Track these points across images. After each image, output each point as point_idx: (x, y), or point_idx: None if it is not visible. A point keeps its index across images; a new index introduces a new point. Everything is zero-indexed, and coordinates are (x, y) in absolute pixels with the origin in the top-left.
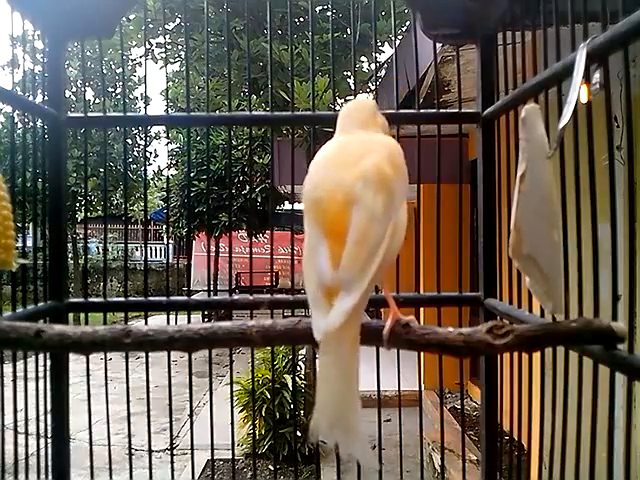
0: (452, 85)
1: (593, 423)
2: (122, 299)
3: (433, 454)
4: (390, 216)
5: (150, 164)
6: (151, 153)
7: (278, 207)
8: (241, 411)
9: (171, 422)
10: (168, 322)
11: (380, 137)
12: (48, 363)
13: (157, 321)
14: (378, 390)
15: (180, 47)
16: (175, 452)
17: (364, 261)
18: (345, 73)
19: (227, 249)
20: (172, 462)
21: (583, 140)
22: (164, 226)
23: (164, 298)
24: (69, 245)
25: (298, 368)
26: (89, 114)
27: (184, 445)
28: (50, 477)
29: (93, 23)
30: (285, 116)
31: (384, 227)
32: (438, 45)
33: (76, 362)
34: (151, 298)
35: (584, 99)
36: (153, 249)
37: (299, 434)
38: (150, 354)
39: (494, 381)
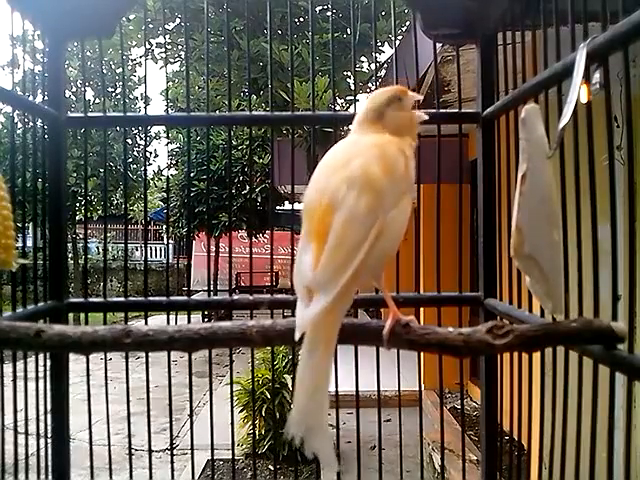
0: (452, 85)
1: (593, 423)
2: (122, 299)
3: (433, 454)
4: (376, 217)
5: (150, 164)
6: (151, 153)
7: (278, 207)
8: (241, 411)
9: (171, 422)
10: (168, 322)
11: (375, 138)
12: (48, 363)
13: (157, 321)
14: (378, 390)
15: (180, 47)
16: (175, 452)
17: (340, 263)
18: (345, 73)
19: (227, 249)
20: (172, 462)
21: (583, 140)
22: (164, 226)
23: (164, 298)
24: (69, 245)
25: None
26: (89, 114)
27: (184, 445)
28: (50, 477)
29: (93, 23)
30: (285, 116)
31: (365, 229)
32: (438, 45)
33: (76, 362)
34: (151, 298)
35: (584, 99)
36: (153, 249)
37: None
38: (150, 354)
39: (494, 381)
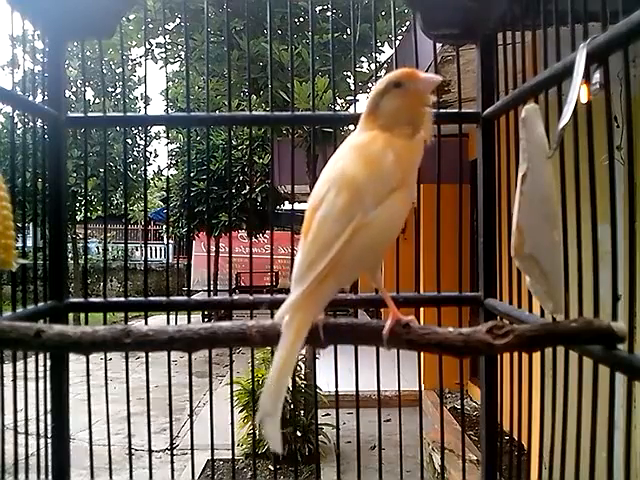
0: (452, 85)
1: (593, 423)
2: (122, 299)
3: (433, 454)
4: (353, 214)
5: (150, 164)
6: (151, 153)
7: (278, 207)
8: (241, 411)
9: (171, 422)
10: (168, 322)
11: (360, 138)
12: (48, 363)
13: (157, 321)
14: (378, 390)
15: (180, 47)
16: (175, 452)
17: (312, 259)
18: (345, 73)
19: (227, 249)
20: (172, 462)
21: (583, 140)
22: (164, 226)
23: (164, 298)
24: (69, 245)
25: (298, 368)
26: (89, 114)
27: (184, 445)
28: (50, 477)
29: (93, 23)
30: (285, 116)
31: (340, 226)
32: (438, 45)
33: (76, 362)
34: (151, 298)
35: (584, 99)
36: (153, 249)
37: (299, 434)
38: (150, 354)
39: (494, 381)
